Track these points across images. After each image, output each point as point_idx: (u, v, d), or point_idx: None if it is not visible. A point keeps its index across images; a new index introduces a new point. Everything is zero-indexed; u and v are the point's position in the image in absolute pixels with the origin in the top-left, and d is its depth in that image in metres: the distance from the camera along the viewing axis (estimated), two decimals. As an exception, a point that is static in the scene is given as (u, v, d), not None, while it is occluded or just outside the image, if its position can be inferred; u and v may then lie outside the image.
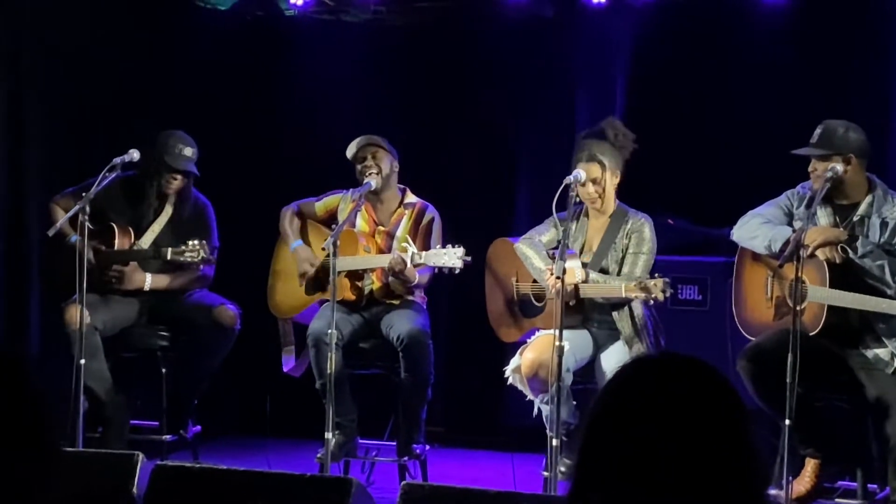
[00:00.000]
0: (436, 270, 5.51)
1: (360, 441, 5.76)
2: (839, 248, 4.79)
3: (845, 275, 4.80)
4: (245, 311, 5.92)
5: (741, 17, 6.62)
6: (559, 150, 6.81)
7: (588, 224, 5.38)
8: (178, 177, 5.90)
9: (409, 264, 5.42)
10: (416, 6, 7.30)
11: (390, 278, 5.64)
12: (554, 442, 4.74)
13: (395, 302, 5.76)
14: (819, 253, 4.79)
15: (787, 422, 4.53)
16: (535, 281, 5.37)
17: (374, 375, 5.76)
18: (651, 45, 6.79)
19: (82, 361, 5.25)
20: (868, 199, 4.95)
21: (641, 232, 5.25)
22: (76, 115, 6.69)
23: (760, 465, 1.62)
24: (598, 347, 5.30)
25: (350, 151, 5.76)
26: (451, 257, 5.30)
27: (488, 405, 6.78)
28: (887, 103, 6.30)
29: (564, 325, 4.81)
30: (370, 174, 5.68)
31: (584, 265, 5.18)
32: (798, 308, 4.59)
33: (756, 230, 5.00)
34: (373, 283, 5.74)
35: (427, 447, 5.73)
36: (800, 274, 4.58)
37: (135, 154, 5.57)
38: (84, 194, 5.41)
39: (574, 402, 5.20)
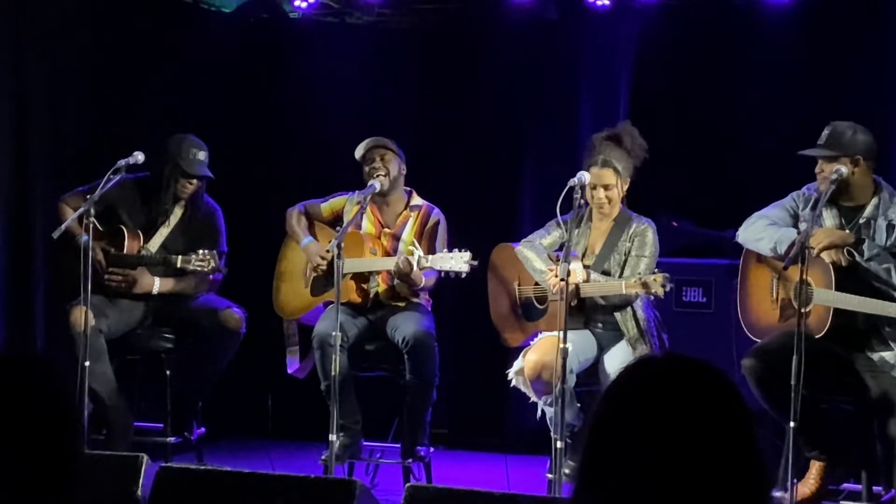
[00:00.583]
0: (441, 274, 5.51)
1: (365, 443, 5.76)
2: (845, 250, 4.78)
3: (851, 277, 4.79)
4: (250, 313, 5.92)
5: (745, 19, 6.62)
6: (563, 152, 6.82)
7: (591, 227, 5.38)
8: (195, 181, 5.91)
9: (415, 267, 5.42)
10: (420, 8, 7.31)
11: (396, 281, 5.64)
12: (558, 444, 4.74)
13: (401, 304, 5.76)
14: (825, 255, 4.78)
15: (792, 424, 4.52)
16: (536, 283, 5.37)
17: (379, 377, 5.76)
18: (655, 46, 6.79)
19: (87, 363, 5.25)
20: (874, 201, 4.94)
21: (644, 236, 5.25)
22: (81, 117, 6.69)
23: (765, 468, 1.62)
24: (602, 349, 5.30)
25: (359, 152, 5.76)
26: (458, 261, 5.29)
27: (492, 407, 6.78)
28: (892, 104, 6.29)
29: (568, 326, 4.82)
30: (378, 175, 5.68)
31: (586, 267, 5.18)
32: (803, 310, 4.59)
33: (762, 232, 4.99)
34: (378, 285, 5.74)
35: (431, 449, 5.73)
36: (804, 276, 4.57)
37: (139, 156, 5.57)
38: (88, 197, 5.41)
39: (578, 404, 5.20)
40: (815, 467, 4.97)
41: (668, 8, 6.73)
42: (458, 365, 6.69)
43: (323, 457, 5.30)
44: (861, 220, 4.93)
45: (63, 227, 5.52)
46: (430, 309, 5.82)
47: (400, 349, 5.54)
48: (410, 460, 5.60)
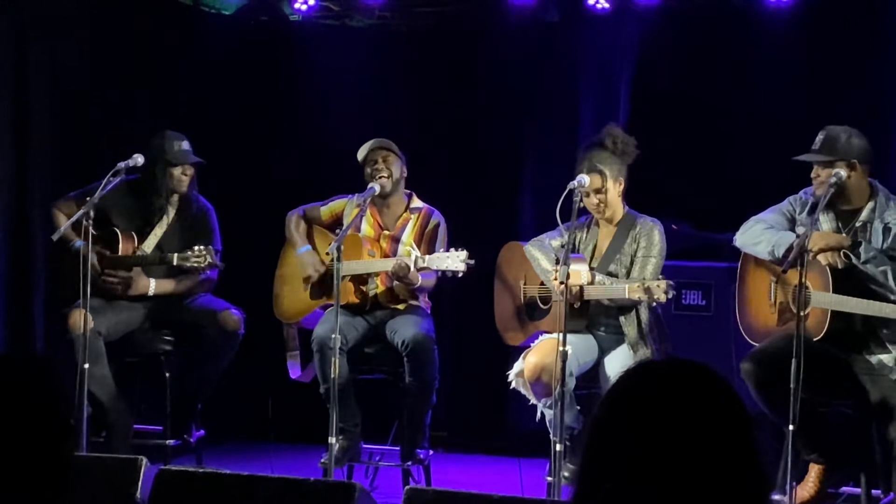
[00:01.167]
0: (440, 274, 5.51)
1: (364, 446, 5.76)
2: (842, 253, 4.78)
3: (848, 280, 4.79)
4: (249, 315, 5.92)
5: (745, 23, 6.63)
6: (564, 154, 6.80)
7: (598, 231, 5.39)
8: (189, 172, 5.92)
9: (412, 268, 5.42)
10: (420, 11, 7.31)
11: (394, 282, 5.65)
12: (557, 447, 4.74)
13: (400, 307, 5.76)
14: (821, 258, 4.79)
15: (791, 427, 4.52)
16: (542, 283, 5.37)
17: (379, 380, 5.77)
18: (655, 49, 6.79)
19: (86, 366, 5.26)
20: (870, 204, 4.95)
21: (651, 235, 5.25)
22: (81, 120, 6.69)
23: (764, 471, 1.62)
24: (603, 352, 5.30)
25: (361, 154, 5.77)
26: (455, 261, 5.30)
27: (492, 410, 6.78)
28: (891, 106, 6.29)
29: (569, 328, 4.82)
30: (380, 177, 5.69)
31: (592, 269, 5.19)
32: (802, 313, 4.59)
33: (759, 236, 5.00)
34: (377, 287, 5.75)
35: (431, 452, 5.73)
36: (804, 279, 4.57)
37: (139, 159, 5.59)
38: (88, 199, 5.41)
39: (577, 407, 5.20)
40: (814, 470, 4.98)
41: (667, 10, 6.73)
42: (457, 367, 6.69)
43: (322, 459, 5.30)
44: (857, 224, 4.94)
45: (63, 229, 5.54)
46: (429, 312, 5.82)
47: (399, 352, 5.54)
48: (410, 463, 5.60)
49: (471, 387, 6.88)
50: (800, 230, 4.93)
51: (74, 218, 5.47)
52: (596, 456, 1.63)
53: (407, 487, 3.93)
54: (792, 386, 4.48)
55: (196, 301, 5.95)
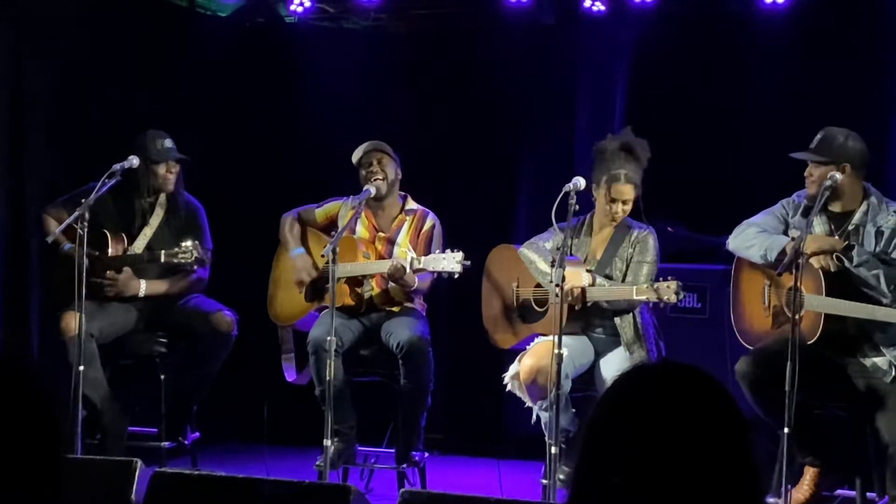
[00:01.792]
0: (435, 275, 5.52)
1: (359, 448, 5.76)
2: (834, 256, 4.78)
3: (841, 284, 4.80)
4: (244, 317, 5.92)
5: (740, 24, 6.64)
6: (560, 156, 6.83)
7: (591, 235, 5.39)
8: (173, 169, 5.92)
9: (408, 270, 5.42)
10: (416, 13, 7.32)
11: (390, 284, 5.65)
12: (553, 449, 4.74)
13: (395, 309, 5.76)
14: (813, 261, 4.79)
15: (786, 430, 4.52)
16: (537, 286, 5.37)
17: (374, 382, 5.76)
18: (651, 52, 6.80)
19: (80, 368, 5.25)
20: (863, 207, 4.95)
21: (646, 242, 5.27)
22: (77, 122, 6.69)
23: (759, 474, 1.62)
24: (598, 354, 5.30)
25: (356, 156, 5.77)
26: (451, 262, 5.30)
27: (488, 412, 6.78)
28: (886, 112, 6.30)
29: (565, 330, 4.82)
30: (375, 180, 5.69)
31: (589, 272, 5.19)
32: (796, 316, 4.59)
33: (752, 239, 5.00)
34: (373, 289, 5.75)
35: (426, 454, 5.73)
36: (799, 283, 4.57)
37: (134, 160, 5.60)
38: (84, 200, 5.41)
39: (573, 410, 5.20)
40: (810, 473, 4.98)
41: (663, 13, 6.74)
42: (453, 370, 6.69)
43: (318, 462, 5.30)
44: (850, 227, 4.94)
45: (58, 230, 5.54)
46: (424, 314, 5.82)
47: (394, 354, 5.54)
48: (405, 465, 5.60)
49: (466, 389, 6.88)
50: (793, 233, 4.93)
51: (70, 220, 5.46)
52: (591, 459, 1.63)
53: (402, 490, 3.92)
54: (787, 389, 4.49)
55: (189, 302, 5.94)
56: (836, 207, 4.99)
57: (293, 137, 7.31)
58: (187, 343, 5.87)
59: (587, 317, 5.28)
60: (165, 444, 5.83)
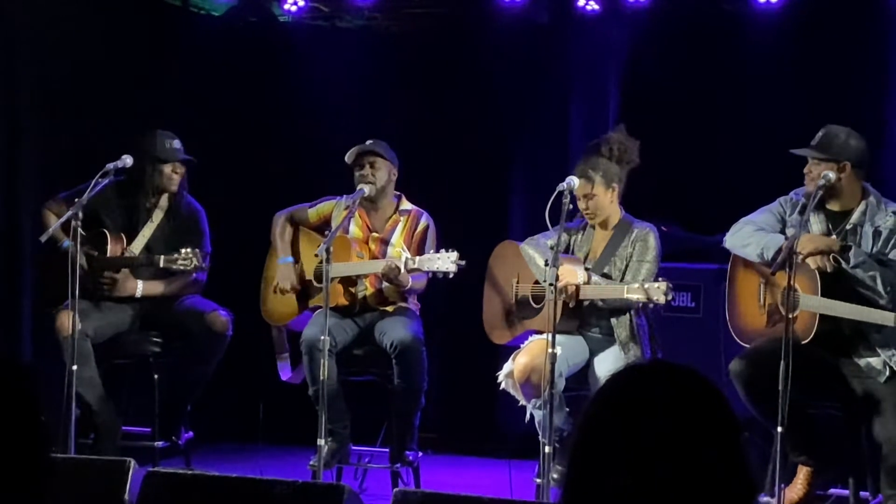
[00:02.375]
0: (430, 275, 5.51)
1: (353, 448, 5.76)
2: (831, 257, 4.78)
3: (837, 284, 4.79)
4: (238, 317, 5.91)
5: (735, 24, 6.64)
6: (554, 156, 6.83)
7: (594, 234, 5.39)
8: (179, 171, 5.91)
9: (402, 269, 5.42)
10: (410, 12, 7.31)
11: (384, 284, 5.64)
12: (547, 449, 4.74)
13: (389, 308, 5.76)
14: (810, 261, 4.78)
15: (780, 429, 4.53)
16: (535, 282, 5.37)
17: (368, 382, 5.76)
18: (645, 51, 6.80)
19: (74, 368, 5.24)
20: (861, 207, 4.95)
21: (646, 240, 5.26)
22: (70, 121, 6.68)
23: (751, 474, 1.62)
24: (592, 353, 5.30)
25: (349, 157, 5.76)
26: (445, 261, 5.30)
27: (481, 412, 6.78)
28: (882, 108, 6.30)
29: (560, 329, 4.82)
30: (366, 183, 5.69)
31: (587, 270, 5.19)
32: (790, 316, 4.59)
33: (749, 238, 5.00)
34: (366, 289, 5.74)
35: (420, 454, 5.72)
36: (792, 282, 4.58)
37: (128, 160, 5.58)
38: (77, 200, 5.40)
39: (567, 409, 5.20)
40: (803, 472, 4.98)
41: (657, 12, 6.74)
42: (447, 369, 6.69)
43: (311, 462, 5.30)
44: (848, 226, 4.94)
45: (51, 230, 5.52)
46: (418, 313, 5.82)
47: (388, 354, 5.54)
48: (399, 465, 5.60)
49: (460, 388, 6.87)
50: (790, 231, 4.93)
51: (63, 219, 5.46)
52: (584, 458, 1.63)
53: (396, 489, 3.92)
54: (780, 388, 4.49)
55: (184, 302, 5.94)
56: (834, 206, 4.99)
57: (286, 136, 7.30)
58: (182, 343, 5.86)
59: (583, 316, 5.28)
60: (159, 443, 5.83)
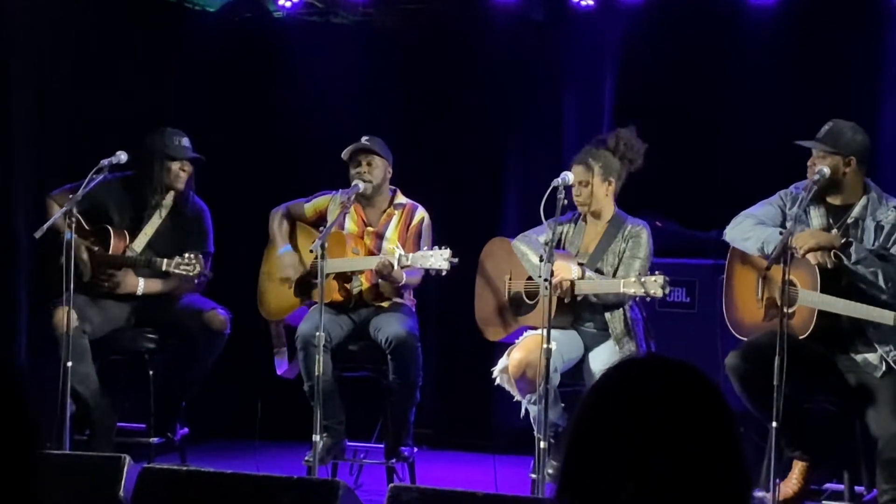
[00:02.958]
0: (424, 271, 5.51)
1: (348, 443, 5.76)
2: (832, 253, 4.77)
3: (837, 280, 4.79)
4: (235, 314, 5.91)
5: (729, 20, 6.64)
6: (548, 151, 6.83)
7: (585, 229, 5.39)
8: (187, 168, 5.91)
9: (396, 266, 5.42)
10: (404, 8, 7.30)
11: (379, 280, 5.64)
12: (542, 444, 4.74)
13: (384, 304, 5.76)
14: (810, 257, 4.77)
15: (775, 423, 4.53)
16: (529, 278, 5.37)
17: (363, 378, 5.76)
18: (640, 47, 6.80)
19: (69, 364, 5.23)
20: (862, 201, 4.94)
21: (639, 237, 5.26)
22: (66, 116, 6.67)
23: (746, 468, 1.62)
24: (587, 348, 5.30)
25: (346, 155, 5.75)
26: (438, 259, 5.30)
27: (477, 408, 6.78)
28: (876, 107, 6.30)
29: (554, 324, 4.82)
30: (362, 180, 5.68)
31: (581, 265, 5.19)
32: (788, 311, 4.59)
33: (749, 231, 4.99)
34: (361, 284, 5.74)
35: (415, 449, 5.73)
36: (787, 276, 4.58)
37: (122, 156, 5.56)
38: (70, 196, 5.39)
39: (562, 404, 5.20)
40: (798, 467, 4.98)
41: (652, 8, 6.74)
42: (442, 365, 6.70)
43: (307, 457, 5.30)
44: (849, 220, 4.93)
45: (45, 226, 5.50)
46: (414, 310, 5.82)
47: (383, 349, 5.54)
48: (394, 461, 5.60)
49: (455, 384, 6.88)
50: (790, 225, 4.93)
51: (59, 213, 5.45)
52: (577, 453, 1.63)
53: (391, 485, 3.92)
54: (775, 383, 4.49)
55: (183, 300, 5.92)
56: (835, 200, 4.98)
57: (282, 132, 7.30)
58: (179, 340, 5.85)
59: (577, 311, 5.29)
60: (154, 439, 5.83)
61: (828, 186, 4.89)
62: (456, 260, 5.30)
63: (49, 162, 6.54)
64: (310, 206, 5.92)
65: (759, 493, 4.67)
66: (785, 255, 4.57)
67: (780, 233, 4.82)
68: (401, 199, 5.86)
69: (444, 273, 5.32)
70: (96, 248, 5.81)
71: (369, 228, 5.80)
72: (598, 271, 5.25)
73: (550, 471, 4.78)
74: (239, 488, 3.85)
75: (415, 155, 6.71)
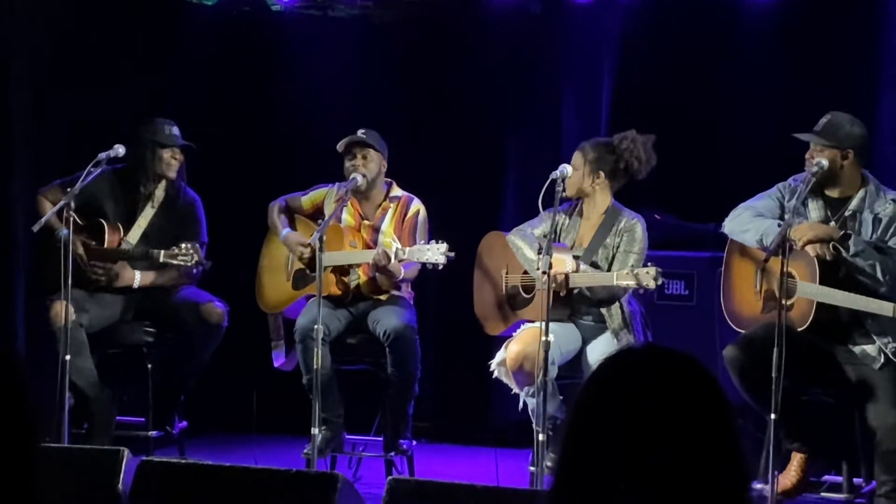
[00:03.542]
0: (421, 264, 5.51)
1: (347, 436, 5.76)
2: (831, 245, 4.77)
3: (836, 272, 4.78)
4: (232, 307, 5.90)
5: (727, 14, 6.64)
6: (546, 145, 6.83)
7: (581, 221, 5.39)
8: (178, 156, 5.91)
9: (392, 260, 5.42)
10: (402, 1, 7.29)
11: (376, 273, 5.64)
12: (540, 436, 4.74)
13: (382, 297, 5.76)
14: (809, 249, 4.77)
15: (773, 416, 4.53)
16: (524, 273, 5.37)
17: (361, 371, 5.76)
18: (637, 41, 6.79)
19: (67, 358, 5.24)
20: (860, 193, 4.93)
21: (633, 231, 5.26)
22: (63, 111, 6.66)
23: (745, 460, 1.62)
24: (585, 340, 5.30)
25: (341, 147, 5.75)
26: (435, 253, 5.29)
27: (475, 400, 6.78)
28: (872, 102, 6.30)
29: (551, 317, 4.82)
30: (357, 173, 5.67)
31: (576, 258, 5.19)
32: (786, 303, 4.59)
33: (748, 223, 4.98)
34: (359, 277, 5.74)
35: (414, 442, 5.73)
36: (785, 268, 4.57)
37: (120, 149, 5.56)
38: (69, 189, 5.39)
39: (560, 397, 5.20)
40: (797, 459, 4.98)
41: (650, 2, 6.73)
42: (441, 358, 6.70)
43: (305, 450, 5.30)
44: (847, 213, 4.92)
45: (42, 220, 5.50)
46: (412, 302, 5.82)
47: (381, 342, 5.54)
48: (393, 453, 5.60)
49: (454, 377, 6.88)
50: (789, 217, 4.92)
51: (56, 208, 5.45)
52: (575, 445, 1.62)
53: (390, 478, 3.93)
54: (774, 375, 4.49)
55: (180, 293, 5.92)
56: (833, 193, 4.98)
57: (280, 126, 7.29)
58: (177, 333, 5.85)
59: (573, 304, 5.28)
60: (153, 433, 5.82)
61: (826, 179, 4.89)
62: (453, 254, 5.30)
63: (47, 159, 6.53)
64: (307, 199, 5.92)
65: (757, 485, 4.67)
66: (783, 247, 4.57)
67: (779, 225, 4.82)
68: (396, 191, 5.86)
69: (440, 267, 5.32)
70: (92, 243, 5.80)
71: (366, 222, 5.79)
72: (594, 265, 5.24)
73: (549, 463, 4.79)
74: (238, 481, 3.85)
75: (412, 149, 6.70)
